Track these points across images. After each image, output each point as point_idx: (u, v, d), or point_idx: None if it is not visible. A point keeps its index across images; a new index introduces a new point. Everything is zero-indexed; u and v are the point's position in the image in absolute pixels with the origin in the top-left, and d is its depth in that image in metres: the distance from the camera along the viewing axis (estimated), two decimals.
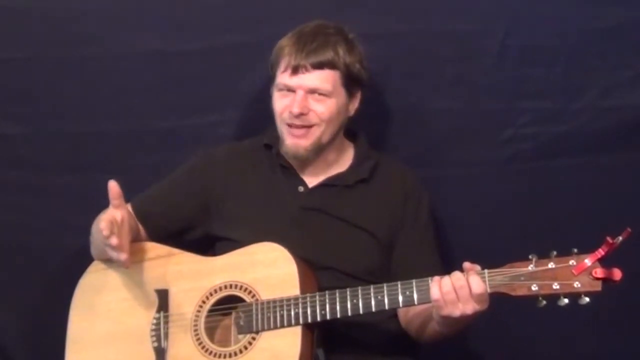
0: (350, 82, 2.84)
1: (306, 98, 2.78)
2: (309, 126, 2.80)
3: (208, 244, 2.92)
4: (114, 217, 2.66)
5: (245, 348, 2.65)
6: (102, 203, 2.96)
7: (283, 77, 2.80)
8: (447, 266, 2.77)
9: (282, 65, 2.80)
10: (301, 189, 2.88)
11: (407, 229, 2.86)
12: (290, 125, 2.81)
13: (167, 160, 3.11)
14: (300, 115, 2.78)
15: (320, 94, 2.79)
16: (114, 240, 2.61)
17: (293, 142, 2.82)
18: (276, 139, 2.93)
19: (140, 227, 2.89)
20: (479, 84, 3.14)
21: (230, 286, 2.72)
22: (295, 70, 2.78)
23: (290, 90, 2.80)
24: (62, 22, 3.23)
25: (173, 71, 3.23)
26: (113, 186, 2.70)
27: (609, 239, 2.35)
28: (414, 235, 2.87)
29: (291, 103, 2.79)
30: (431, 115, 3.19)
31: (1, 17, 3.23)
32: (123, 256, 2.65)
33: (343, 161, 2.93)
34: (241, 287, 2.71)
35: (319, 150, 2.84)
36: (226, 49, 3.20)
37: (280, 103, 2.82)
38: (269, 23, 3.04)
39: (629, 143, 3.10)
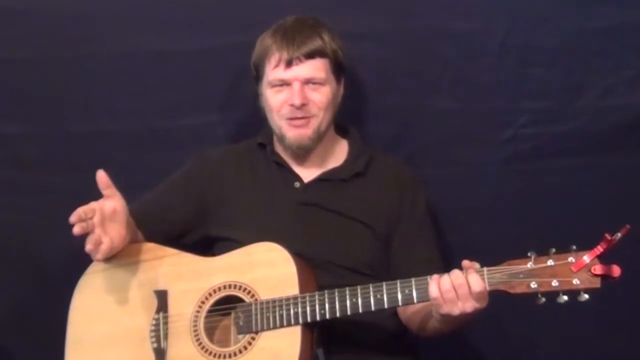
0: (338, 68, 2.87)
1: (303, 88, 2.80)
2: (309, 116, 2.82)
3: (207, 245, 2.91)
4: (100, 207, 2.64)
5: (245, 348, 2.65)
6: None
7: (276, 73, 2.82)
8: (447, 265, 2.76)
9: (273, 61, 2.82)
10: (297, 184, 2.89)
11: (405, 221, 2.87)
12: (290, 119, 2.82)
13: (167, 160, 3.11)
14: (302, 106, 2.80)
15: (315, 83, 2.81)
16: (77, 229, 2.58)
17: (296, 133, 2.83)
18: (270, 137, 2.95)
19: (138, 232, 2.88)
20: (479, 84, 3.14)
21: (229, 286, 2.71)
22: (289, 63, 2.80)
23: (286, 83, 2.81)
24: (62, 22, 3.23)
25: (173, 71, 3.24)
26: (101, 176, 2.67)
27: (607, 235, 2.35)
28: (412, 227, 2.87)
29: (290, 96, 2.80)
30: (431, 115, 3.19)
31: (1, 17, 3.24)
32: (89, 246, 2.62)
33: (337, 156, 2.94)
34: (240, 287, 2.70)
35: (319, 139, 2.86)
36: (226, 49, 3.20)
37: (277, 98, 2.83)
38: (269, 23, 3.03)
39: (629, 143, 3.10)
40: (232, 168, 2.95)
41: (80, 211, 2.61)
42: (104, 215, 2.65)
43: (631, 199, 3.07)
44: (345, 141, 2.97)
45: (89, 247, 2.63)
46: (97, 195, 3.02)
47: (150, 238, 2.88)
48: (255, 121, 3.08)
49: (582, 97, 3.10)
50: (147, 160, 3.25)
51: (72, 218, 2.58)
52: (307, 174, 2.90)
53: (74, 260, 2.97)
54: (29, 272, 3.33)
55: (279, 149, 2.94)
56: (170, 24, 3.22)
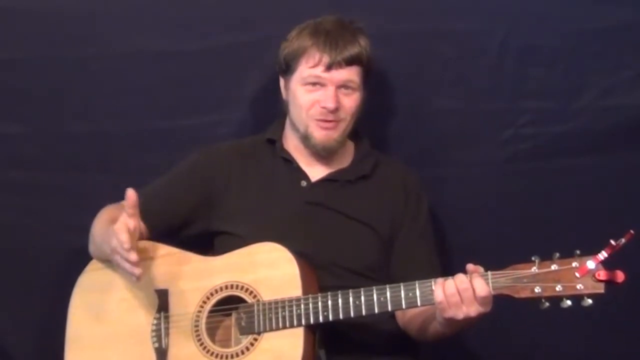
0: (367, 75, 2.88)
1: (337, 93, 2.80)
2: (338, 120, 2.83)
3: (208, 243, 2.91)
4: (128, 228, 2.64)
5: (247, 349, 2.65)
6: (102, 203, 2.98)
7: (314, 71, 2.81)
8: (447, 266, 2.78)
9: (311, 61, 2.81)
10: (304, 183, 2.89)
11: (407, 225, 2.87)
12: (319, 120, 2.83)
13: (167, 160, 3.10)
14: (335, 110, 2.80)
15: (347, 88, 2.82)
16: (133, 256, 2.60)
17: (324, 134, 2.83)
18: (279, 133, 2.95)
19: (140, 222, 2.88)
20: (479, 84, 3.15)
21: (231, 286, 2.72)
22: (330, 67, 2.80)
23: (320, 84, 2.81)
24: (62, 22, 3.22)
25: (173, 71, 3.23)
26: (131, 195, 2.67)
27: (612, 241, 2.35)
28: (414, 232, 2.88)
29: (324, 98, 2.81)
30: (431, 115, 3.19)
31: (1, 17, 3.22)
32: (137, 271, 2.63)
33: (345, 157, 2.94)
34: (242, 287, 2.70)
35: (343, 142, 2.88)
36: (226, 49, 3.20)
37: (308, 97, 2.83)
38: (269, 23, 3.04)
39: (629, 143, 3.10)
40: (238, 162, 2.95)
41: (129, 235, 2.62)
42: (132, 236, 2.65)
43: (631, 199, 3.09)
44: (351, 143, 2.97)
45: (138, 271, 2.64)
46: (96, 195, 3.05)
47: (151, 229, 2.89)
48: (255, 121, 3.09)
49: (582, 97, 3.11)
50: (147, 160, 3.24)
51: (127, 244, 2.60)
52: (314, 173, 2.90)
53: (74, 260, 2.99)
54: (28, 272, 3.32)
55: (288, 145, 2.93)
56: (170, 24, 3.21)
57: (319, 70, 2.80)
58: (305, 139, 2.86)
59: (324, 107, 2.80)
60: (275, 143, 2.94)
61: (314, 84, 2.82)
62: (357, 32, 2.86)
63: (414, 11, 3.15)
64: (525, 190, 3.16)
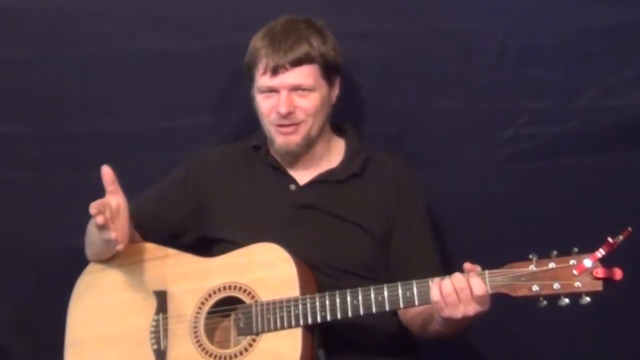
0: (329, 71, 2.85)
1: (290, 96, 2.79)
2: (297, 123, 2.81)
3: (206, 246, 2.91)
4: (108, 202, 2.64)
5: (246, 350, 2.65)
6: None
7: (264, 80, 2.81)
8: (447, 266, 2.76)
9: (260, 68, 2.82)
10: (292, 187, 2.88)
11: (403, 222, 2.86)
12: (278, 125, 2.82)
13: (167, 160, 3.11)
14: (288, 114, 2.79)
15: (303, 89, 2.81)
16: (100, 219, 2.58)
17: (283, 139, 2.83)
18: (264, 139, 2.94)
19: (135, 231, 2.87)
20: (479, 84, 3.14)
21: (229, 287, 2.72)
22: (275, 71, 2.79)
23: (273, 90, 2.81)
24: (62, 22, 3.24)
25: (173, 71, 3.23)
26: (107, 172, 2.68)
27: (609, 238, 2.35)
28: (411, 228, 2.87)
29: (277, 103, 2.80)
30: (431, 115, 3.18)
31: (1, 17, 3.24)
32: (112, 235, 2.60)
33: (334, 157, 2.93)
34: (240, 288, 2.70)
35: (309, 144, 2.86)
36: (226, 49, 3.19)
37: (266, 105, 2.83)
38: (269, 23, 3.03)
39: (629, 143, 3.09)
40: (229, 168, 2.95)
41: (97, 204, 2.61)
42: (111, 211, 2.64)
43: (631, 199, 3.07)
44: (342, 140, 2.96)
45: (113, 235, 2.61)
46: (97, 195, 3.02)
47: (147, 237, 2.88)
48: (255, 121, 3.07)
49: (582, 97, 3.10)
50: (147, 160, 3.25)
51: (92, 210, 2.58)
52: (303, 176, 2.89)
53: (73, 260, 2.99)
54: (28, 272, 3.33)
55: (273, 151, 2.92)
56: (170, 24, 3.22)
57: (267, 77, 2.81)
58: (272, 144, 2.87)
59: (278, 113, 2.80)
60: (260, 149, 2.94)
61: (269, 90, 2.82)
62: (308, 29, 2.85)
63: (414, 11, 3.15)
64: (525, 190, 3.15)
